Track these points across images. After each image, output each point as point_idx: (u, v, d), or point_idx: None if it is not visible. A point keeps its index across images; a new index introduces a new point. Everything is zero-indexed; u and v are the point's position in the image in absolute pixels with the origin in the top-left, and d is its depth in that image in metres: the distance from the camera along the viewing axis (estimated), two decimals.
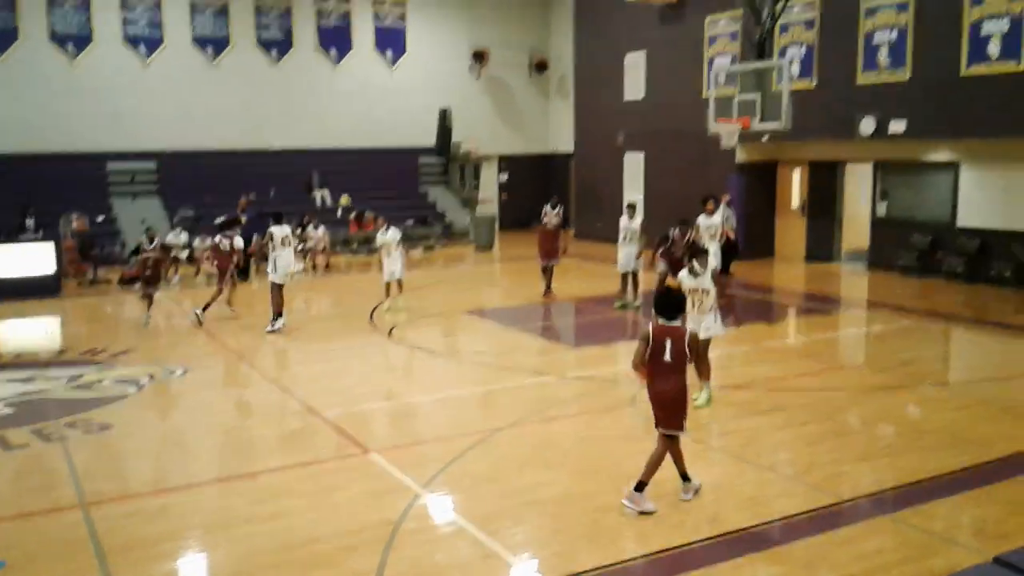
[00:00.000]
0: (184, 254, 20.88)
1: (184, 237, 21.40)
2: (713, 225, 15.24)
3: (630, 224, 15.76)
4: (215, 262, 15.83)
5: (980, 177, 17.91)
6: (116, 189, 24.61)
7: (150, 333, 14.59)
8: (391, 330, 14.24)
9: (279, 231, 14.31)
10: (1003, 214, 17.46)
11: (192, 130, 25.71)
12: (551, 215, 17.11)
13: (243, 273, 20.30)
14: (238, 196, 24.86)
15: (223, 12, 26.30)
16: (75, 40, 24.48)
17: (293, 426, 9.54)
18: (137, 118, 25.05)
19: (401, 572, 6.07)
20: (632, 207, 16.23)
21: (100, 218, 22.83)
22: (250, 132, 26.52)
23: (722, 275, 17.92)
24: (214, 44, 26.25)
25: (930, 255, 18.65)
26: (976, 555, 5.92)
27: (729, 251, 18.15)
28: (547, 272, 17.02)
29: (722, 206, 18.66)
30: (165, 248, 13.16)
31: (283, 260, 14.07)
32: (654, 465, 7.03)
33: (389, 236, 15.52)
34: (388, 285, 15.51)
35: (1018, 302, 15.94)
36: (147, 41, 25.36)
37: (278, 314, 14.14)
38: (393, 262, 15.35)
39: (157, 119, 25.29)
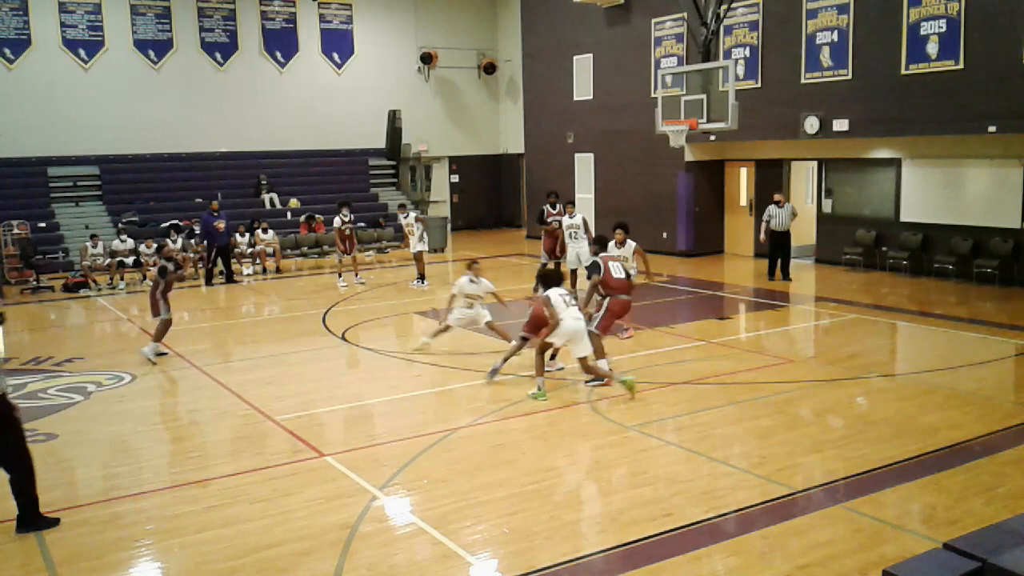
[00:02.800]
0: (130, 259, 20.53)
1: (130, 242, 21.03)
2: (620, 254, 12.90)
3: (572, 221, 15.98)
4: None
5: (921, 173, 18.31)
6: (58, 194, 24.11)
7: (96, 340, 14.33)
8: (344, 332, 14.14)
9: (403, 219, 19.29)
10: (944, 209, 17.88)
11: (135, 134, 25.26)
12: (554, 214, 17.05)
13: (208, 276, 20.15)
14: (183, 200, 24.65)
15: (165, 15, 25.88)
16: (13, 45, 23.91)
17: (245, 431, 9.41)
18: (78, 122, 24.55)
19: (359, 575, 6.02)
20: (572, 203, 16.60)
21: (42, 224, 22.38)
22: (195, 136, 26.15)
23: (779, 279, 18.28)
24: (156, 47, 25.82)
25: (875, 250, 19.04)
26: (926, 542, 6.04)
27: (783, 251, 18.25)
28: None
29: (771, 207, 18.32)
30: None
31: (411, 241, 18.86)
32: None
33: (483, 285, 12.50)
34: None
35: (960, 294, 16.33)
36: (87, 45, 24.86)
37: (421, 276, 18.73)
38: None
39: (99, 123, 24.80)
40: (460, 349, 12.87)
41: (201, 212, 23.27)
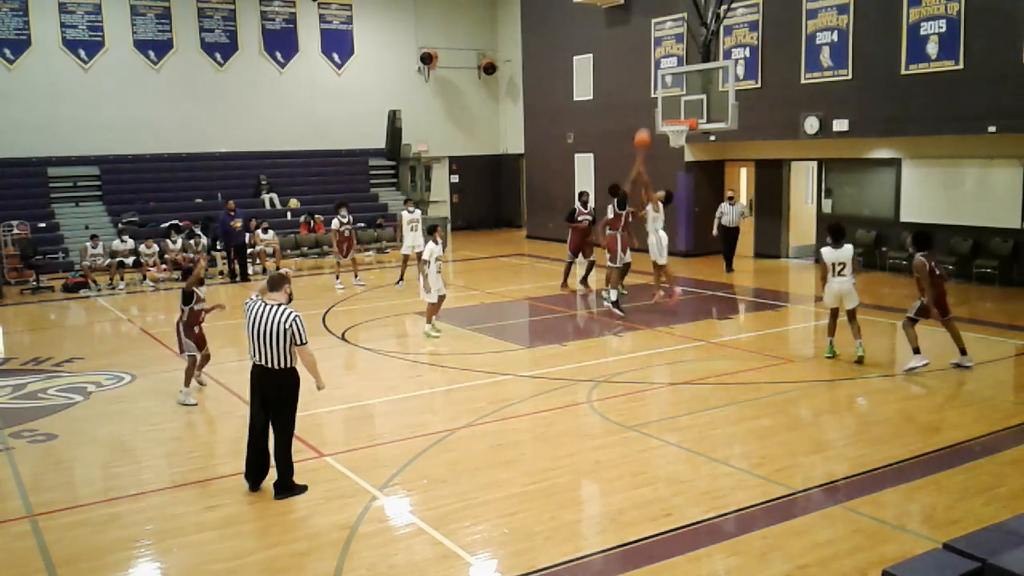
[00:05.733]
0: (130, 260, 20.51)
1: (130, 243, 21.01)
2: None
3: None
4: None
5: (921, 173, 18.30)
6: (58, 195, 24.11)
7: (96, 340, 14.32)
8: (344, 333, 14.13)
9: (408, 215, 18.34)
10: (944, 209, 17.87)
11: (135, 134, 25.23)
12: (584, 213, 17.15)
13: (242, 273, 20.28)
14: (183, 200, 24.67)
15: (165, 15, 25.86)
16: (13, 45, 23.89)
17: (244, 431, 9.37)
18: (78, 123, 24.53)
19: (359, 575, 6.02)
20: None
21: (42, 224, 22.38)
22: (195, 136, 26.13)
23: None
24: (156, 48, 25.80)
25: (875, 250, 19.04)
26: (926, 542, 6.04)
27: (730, 245, 19.51)
28: (569, 267, 17.45)
29: (724, 203, 19.47)
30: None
31: (409, 239, 18.20)
32: None
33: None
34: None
35: (960, 294, 16.30)
36: (87, 45, 24.85)
37: (401, 278, 18.49)
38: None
39: (99, 124, 24.77)
40: (459, 349, 12.87)
41: (201, 213, 23.37)
